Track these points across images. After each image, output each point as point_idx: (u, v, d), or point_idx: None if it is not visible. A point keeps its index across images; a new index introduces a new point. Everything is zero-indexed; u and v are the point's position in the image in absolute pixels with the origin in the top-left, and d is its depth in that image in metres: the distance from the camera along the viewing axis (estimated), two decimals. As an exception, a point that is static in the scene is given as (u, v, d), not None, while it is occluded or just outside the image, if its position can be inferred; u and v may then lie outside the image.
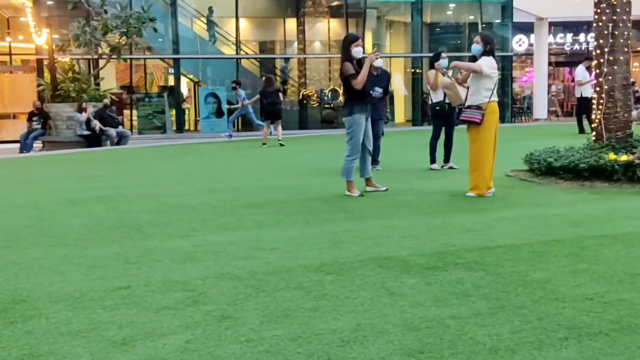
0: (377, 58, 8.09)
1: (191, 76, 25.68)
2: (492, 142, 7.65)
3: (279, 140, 15.78)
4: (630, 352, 3.08)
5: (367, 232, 5.76)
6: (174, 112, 23.94)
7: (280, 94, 16.76)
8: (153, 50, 24.70)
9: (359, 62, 7.77)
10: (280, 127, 16.38)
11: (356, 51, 7.76)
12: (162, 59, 25.24)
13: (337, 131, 22.26)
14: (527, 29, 29.67)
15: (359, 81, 7.59)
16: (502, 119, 25.70)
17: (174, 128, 23.69)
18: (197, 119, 25.05)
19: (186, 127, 24.93)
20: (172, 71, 24.65)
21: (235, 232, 5.94)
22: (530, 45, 30.53)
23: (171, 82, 25.03)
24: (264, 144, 15.80)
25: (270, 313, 3.71)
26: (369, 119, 7.94)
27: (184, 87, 25.77)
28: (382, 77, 10.52)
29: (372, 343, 3.24)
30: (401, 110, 26.63)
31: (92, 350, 3.24)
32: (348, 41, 7.92)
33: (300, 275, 4.44)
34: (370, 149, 8.05)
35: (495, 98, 7.63)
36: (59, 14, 22.24)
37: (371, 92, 8.44)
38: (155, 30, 20.86)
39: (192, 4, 24.61)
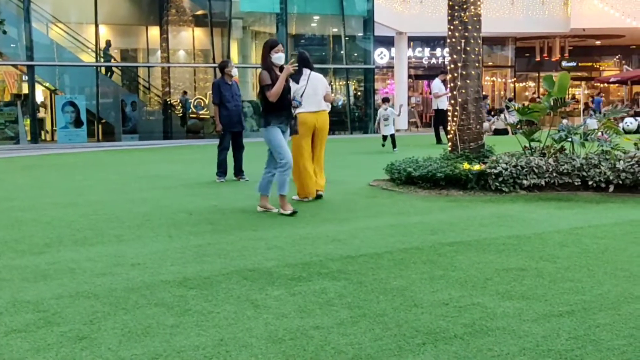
0: (294, 70, 7.50)
1: (47, 84, 24.49)
2: (300, 149, 8.16)
3: None
4: (482, 354, 3.22)
5: (232, 245, 5.72)
6: (28, 121, 22.71)
7: None
8: (4, 56, 23.35)
9: (281, 69, 7.29)
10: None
11: (277, 57, 7.28)
12: (14, 66, 23.90)
13: (203, 141, 22.01)
14: (388, 42, 30.78)
15: (274, 93, 7.13)
16: (365, 130, 26.58)
17: (29, 138, 22.48)
18: (54, 128, 23.92)
19: (42, 137, 23.73)
20: (26, 78, 23.40)
21: (93, 247, 5.70)
22: (391, 58, 31.70)
23: (25, 90, 23.74)
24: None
25: (130, 332, 3.58)
26: (286, 132, 7.49)
27: (40, 95, 24.52)
28: (236, 88, 10.60)
29: (235, 358, 3.20)
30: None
31: None
32: (267, 47, 7.34)
33: (162, 291, 4.33)
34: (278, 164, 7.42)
35: (303, 110, 7.99)
36: None
37: (293, 102, 7.64)
38: (4, 32, 19.76)
39: (47, 9, 23.50)
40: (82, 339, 3.48)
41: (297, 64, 7.82)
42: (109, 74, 25.33)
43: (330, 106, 8.95)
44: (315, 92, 8.21)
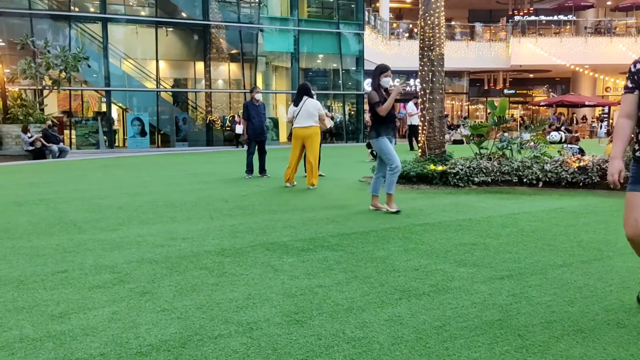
0: (404, 89, 6.52)
1: (120, 104, 24.51)
2: (293, 153, 8.75)
3: None
4: (443, 306, 3.23)
5: (258, 224, 5.72)
6: (105, 131, 22.76)
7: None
8: (88, 83, 23.37)
9: (386, 89, 6.40)
10: None
11: (385, 81, 6.34)
12: (96, 91, 23.92)
13: (235, 148, 21.99)
14: (374, 74, 30.63)
15: (384, 108, 6.21)
16: (357, 140, 26.52)
17: (106, 145, 22.51)
18: (125, 137, 23.94)
19: (116, 144, 23.75)
20: (105, 100, 23.45)
21: (154, 226, 5.71)
22: (376, 86, 31.54)
23: (104, 108, 23.77)
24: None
25: (182, 288, 3.59)
26: (393, 140, 6.48)
27: (114, 113, 24.54)
28: (262, 107, 10.58)
29: (259, 308, 3.21)
30: (284, 132, 26.74)
31: (34, 323, 3.00)
32: (378, 71, 6.40)
33: (205, 259, 4.34)
34: (389, 168, 6.39)
35: (296, 125, 8.59)
36: (10, 53, 20.67)
37: (397, 113, 6.98)
38: (89, 66, 19.94)
39: (120, 48, 23.52)
40: (146, 293, 3.49)
41: (406, 84, 7.22)
42: (176, 104, 25.38)
43: (331, 123, 9.20)
44: (307, 113, 8.55)
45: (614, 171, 2.95)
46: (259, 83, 25.60)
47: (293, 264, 4.17)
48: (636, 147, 3.01)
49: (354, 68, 27.49)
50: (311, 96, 8.66)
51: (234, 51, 25.65)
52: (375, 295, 3.41)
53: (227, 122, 24.96)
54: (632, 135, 3.03)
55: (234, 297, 3.40)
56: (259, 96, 10.57)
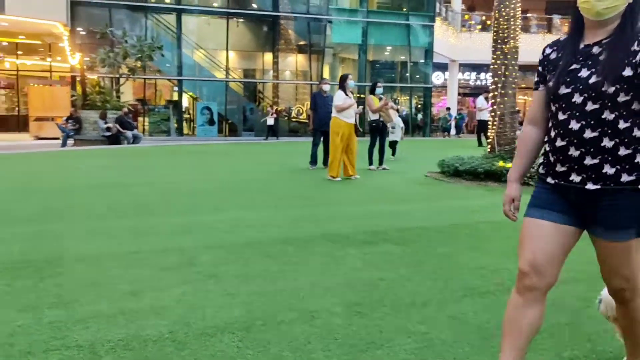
0: None
1: (191, 93, 25.31)
2: (336, 144, 8.79)
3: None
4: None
5: (320, 215, 5.78)
6: (176, 120, 23.60)
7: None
8: (162, 73, 24.28)
9: None
10: None
11: None
12: (168, 80, 24.81)
13: (300, 139, 22.21)
14: (443, 67, 30.08)
15: None
16: (424, 133, 26.13)
17: (177, 132, 23.34)
18: (195, 125, 24.73)
19: (186, 131, 24.57)
20: (176, 89, 24.28)
21: (221, 212, 5.89)
22: (445, 80, 30.97)
23: (175, 97, 24.63)
24: None
25: (246, 274, 3.69)
26: None
27: (185, 101, 25.38)
28: (329, 99, 10.59)
29: (322, 297, 3.25)
30: (349, 124, 26.73)
31: (109, 299, 3.18)
32: None
33: (269, 246, 4.43)
34: None
35: (334, 116, 8.92)
36: (90, 42, 21.78)
37: None
38: (162, 56, 20.66)
39: (193, 38, 24.24)
40: (212, 277, 3.61)
41: None
42: (255, 99, 25.90)
43: (396, 115, 9.47)
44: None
45: (505, 200, 2.26)
46: (326, 74, 25.68)
47: (355, 255, 4.18)
48: (540, 159, 2.22)
49: (422, 61, 27.02)
50: (343, 88, 9.03)
51: (302, 42, 25.84)
52: (438, 291, 3.37)
53: (294, 113, 25.26)
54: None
55: (296, 285, 3.46)
56: (326, 87, 10.62)
